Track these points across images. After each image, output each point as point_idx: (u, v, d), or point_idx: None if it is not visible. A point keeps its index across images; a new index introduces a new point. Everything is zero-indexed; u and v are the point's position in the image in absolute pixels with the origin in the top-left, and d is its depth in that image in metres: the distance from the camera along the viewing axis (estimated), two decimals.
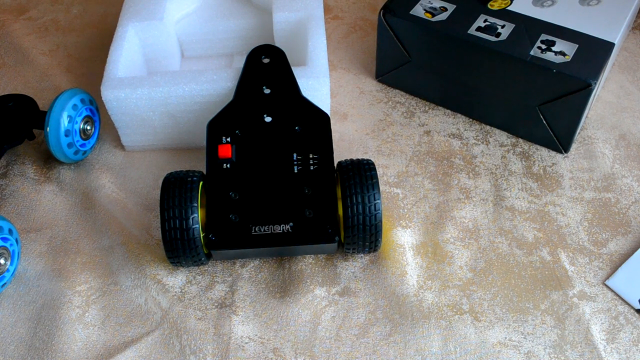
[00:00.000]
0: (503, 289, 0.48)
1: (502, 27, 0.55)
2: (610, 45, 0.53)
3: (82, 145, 0.56)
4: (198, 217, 0.45)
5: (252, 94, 0.51)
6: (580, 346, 0.45)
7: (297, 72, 0.53)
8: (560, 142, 0.56)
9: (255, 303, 0.48)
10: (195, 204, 0.45)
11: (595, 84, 0.50)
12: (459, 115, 0.60)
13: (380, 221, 0.46)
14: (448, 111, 0.61)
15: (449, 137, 0.58)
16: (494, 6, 0.57)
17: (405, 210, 0.53)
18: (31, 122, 0.56)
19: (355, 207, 0.45)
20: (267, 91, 0.51)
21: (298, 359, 0.45)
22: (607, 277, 0.49)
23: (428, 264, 0.50)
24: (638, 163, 0.56)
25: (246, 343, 0.46)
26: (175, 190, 0.46)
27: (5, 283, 0.48)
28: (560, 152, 0.57)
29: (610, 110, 0.60)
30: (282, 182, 0.47)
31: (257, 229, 0.46)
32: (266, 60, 0.53)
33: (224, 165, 0.48)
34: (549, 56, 0.52)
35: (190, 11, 0.63)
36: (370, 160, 0.48)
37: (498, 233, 0.52)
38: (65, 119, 0.53)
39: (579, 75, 0.51)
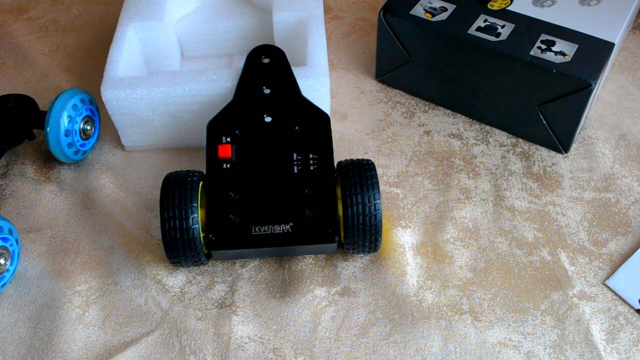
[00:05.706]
0: (503, 289, 0.48)
1: (502, 27, 0.55)
2: (610, 45, 0.53)
3: (82, 145, 0.56)
4: (198, 217, 0.45)
5: (252, 94, 0.51)
6: (580, 346, 0.45)
7: (297, 72, 0.53)
8: (560, 142, 0.56)
9: (255, 303, 0.48)
10: (195, 204, 0.45)
11: (595, 84, 0.50)
12: (459, 115, 0.60)
13: (380, 221, 0.46)
14: (448, 111, 0.61)
15: (449, 137, 0.58)
16: (494, 6, 0.57)
17: (405, 210, 0.53)
18: (31, 122, 0.56)
19: (355, 207, 0.45)
20: (267, 91, 0.51)
21: (298, 359, 0.45)
22: (607, 277, 0.49)
23: (428, 264, 0.50)
24: (638, 163, 0.56)
25: (246, 343, 0.46)
26: (175, 190, 0.46)
27: (5, 283, 0.48)
28: (560, 152, 0.57)
29: (610, 110, 0.60)
30: (282, 182, 0.47)
31: (257, 229, 0.46)
32: (266, 60, 0.53)
33: (224, 165, 0.48)
34: (549, 56, 0.52)
35: (190, 11, 0.63)
36: (370, 160, 0.48)
37: (498, 233, 0.52)
38: (65, 119, 0.53)
39: (579, 75, 0.51)
